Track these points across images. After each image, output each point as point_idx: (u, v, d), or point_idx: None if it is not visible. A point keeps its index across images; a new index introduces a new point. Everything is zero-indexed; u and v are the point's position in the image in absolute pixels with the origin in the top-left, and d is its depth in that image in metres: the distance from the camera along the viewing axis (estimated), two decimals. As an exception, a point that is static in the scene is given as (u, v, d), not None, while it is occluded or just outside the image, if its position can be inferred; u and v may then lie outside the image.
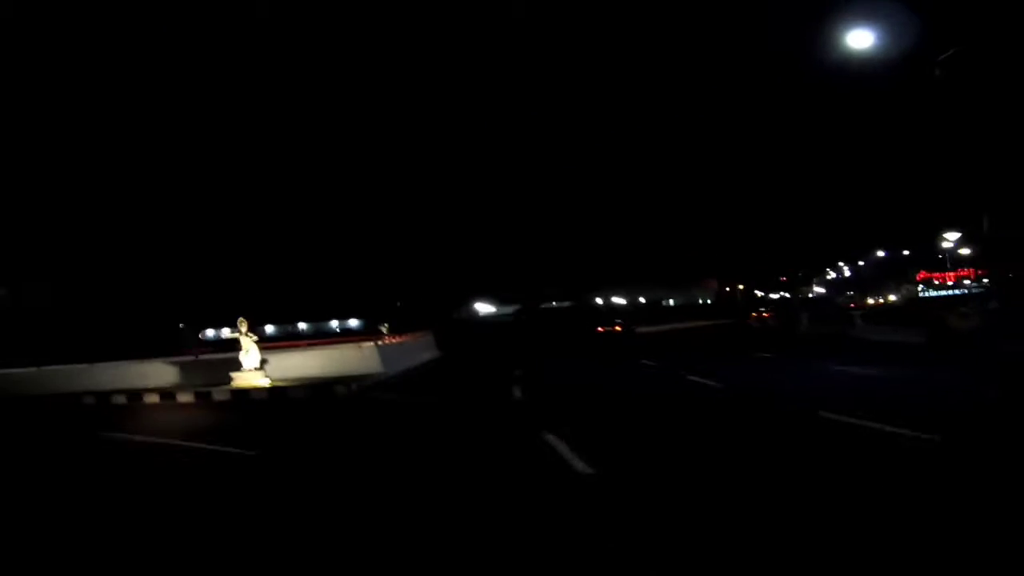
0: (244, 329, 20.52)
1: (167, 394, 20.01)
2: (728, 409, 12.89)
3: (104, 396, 20.38)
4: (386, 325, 31.34)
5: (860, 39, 19.43)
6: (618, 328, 42.45)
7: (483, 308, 71.98)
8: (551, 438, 9.99)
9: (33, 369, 23.88)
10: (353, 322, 70.90)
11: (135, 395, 20.21)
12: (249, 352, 20.42)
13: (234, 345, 21.46)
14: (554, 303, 70.83)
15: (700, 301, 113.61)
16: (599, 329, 42.21)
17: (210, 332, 64.72)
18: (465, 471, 8.76)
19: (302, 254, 70.22)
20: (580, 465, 8.18)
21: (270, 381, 19.96)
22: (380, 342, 23.71)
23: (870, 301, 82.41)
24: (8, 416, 18.91)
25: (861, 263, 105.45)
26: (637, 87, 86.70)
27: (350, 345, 23.32)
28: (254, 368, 20.28)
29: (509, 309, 66.27)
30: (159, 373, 22.01)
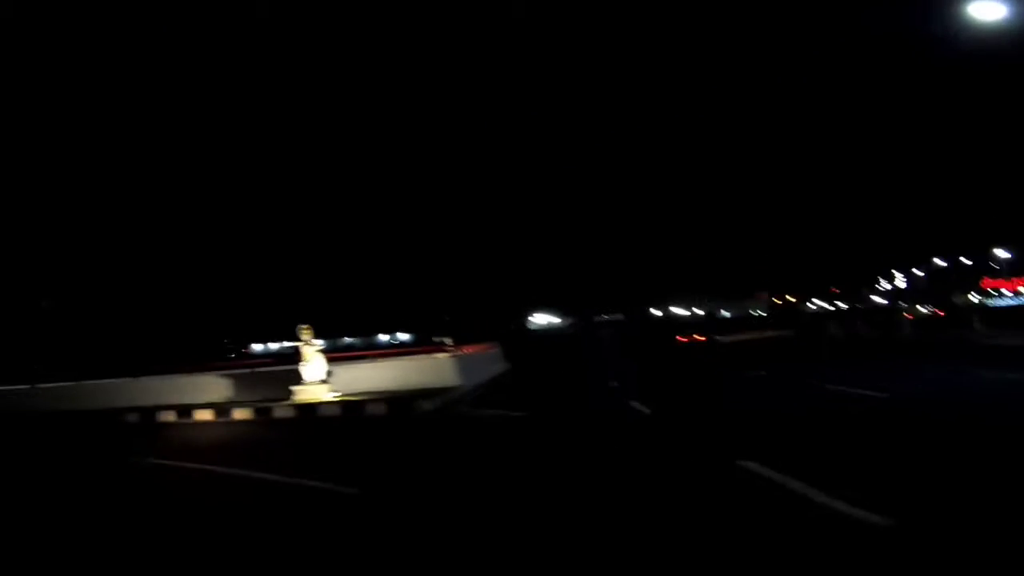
0: (306, 337, 17.88)
1: (221, 410, 17.41)
2: (926, 428, 9.80)
3: (149, 412, 17.85)
4: (448, 338, 28.55)
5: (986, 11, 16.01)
6: (700, 337, 39.45)
7: (542, 319, 69.09)
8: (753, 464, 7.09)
9: (72, 383, 21.48)
10: (402, 335, 68.35)
11: (185, 411, 17.66)
12: (312, 363, 17.75)
13: (291, 358, 18.94)
14: (604, 315, 67.86)
15: (753, 313, 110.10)
16: (680, 339, 39.21)
17: (257, 346, 62.83)
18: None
19: (342, 268, 68.08)
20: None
21: (340, 395, 17.25)
22: (450, 354, 20.84)
23: (923, 311, 77.74)
24: (35, 438, 16.40)
25: (918, 272, 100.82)
26: (679, 91, 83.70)
27: (422, 356, 20.52)
28: (319, 381, 17.59)
29: (566, 320, 63.36)
30: (211, 387, 19.41)
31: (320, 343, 18.10)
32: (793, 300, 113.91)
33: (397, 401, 16.11)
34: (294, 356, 18.67)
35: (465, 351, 22.95)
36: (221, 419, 16.84)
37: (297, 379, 17.82)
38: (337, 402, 16.64)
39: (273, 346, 60.45)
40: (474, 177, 68.52)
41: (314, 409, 16.33)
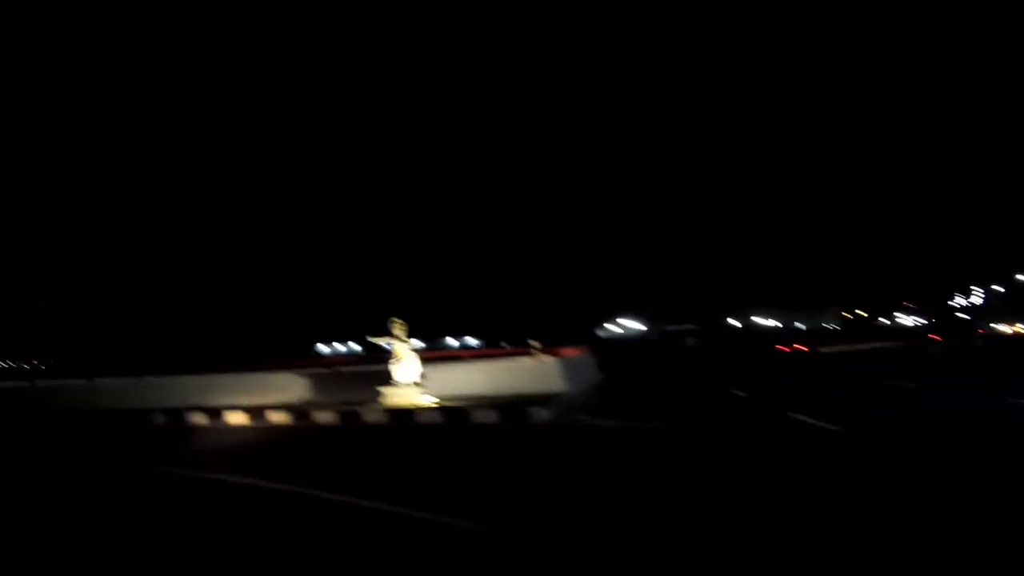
0: (399, 332, 15.56)
1: (300, 412, 15.16)
2: None
3: (216, 413, 15.71)
4: (536, 342, 26.03)
5: None
6: (802, 347, 36.35)
7: (618, 326, 66.18)
8: None
9: (133, 379, 19.61)
10: (471, 340, 66.01)
11: (257, 412, 15.47)
12: (404, 362, 15.40)
13: (372, 357, 16.74)
14: (673, 326, 64.62)
15: (827, 326, 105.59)
16: (780, 348, 36.12)
17: (322, 347, 61.22)
18: None
19: (406, 271, 66.01)
20: None
21: (436, 399, 14.87)
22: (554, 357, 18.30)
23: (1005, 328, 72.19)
24: (85, 441, 14.36)
25: (997, 287, 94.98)
26: (743, 91, 80.00)
27: (522, 359, 18.04)
28: (412, 383, 15.22)
29: (643, 327, 60.38)
30: (287, 386, 17.21)
31: (415, 342, 15.74)
32: (864, 315, 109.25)
33: (507, 408, 13.61)
34: (376, 356, 16.48)
35: (566, 354, 20.34)
36: (302, 422, 14.55)
37: (385, 380, 15.53)
38: (437, 408, 14.21)
39: (339, 347, 58.85)
40: (530, 177, 65.84)
41: (410, 415, 13.91)
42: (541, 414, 13.00)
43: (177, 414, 15.96)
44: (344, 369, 18.22)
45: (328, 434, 13.26)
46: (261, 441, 12.57)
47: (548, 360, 17.45)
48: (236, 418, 15.41)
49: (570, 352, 22.21)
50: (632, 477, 8.03)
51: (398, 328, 15.48)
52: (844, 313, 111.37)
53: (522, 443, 11.09)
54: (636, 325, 63.80)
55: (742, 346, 39.95)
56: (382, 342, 15.87)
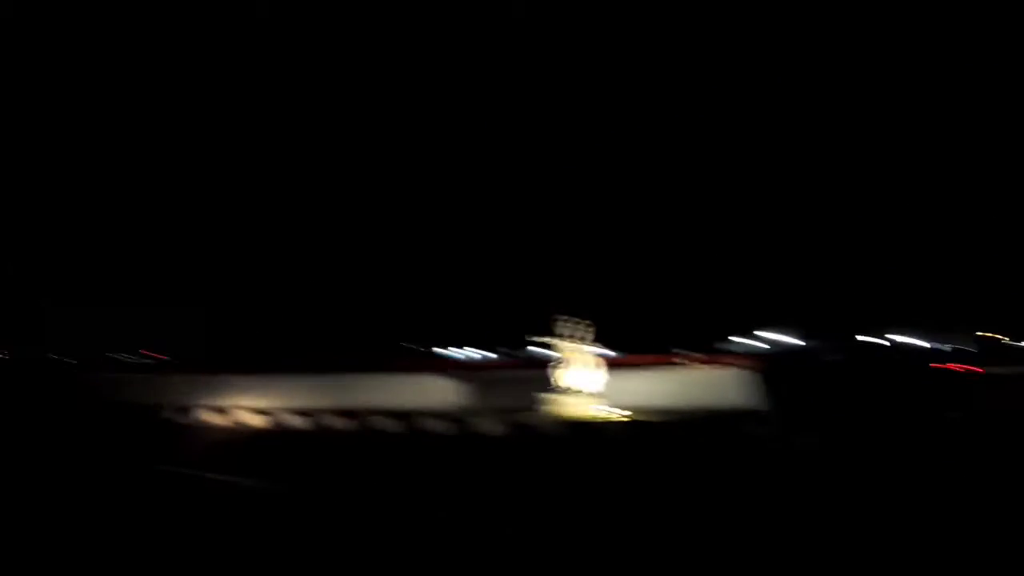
0: (570, 333, 13.68)
1: (454, 419, 13.43)
2: None
3: (356, 415, 14.16)
4: (691, 352, 23.78)
5: None
6: (962, 367, 32.52)
7: (774, 339, 62.47)
8: None
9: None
10: (605, 349, 63.49)
11: (405, 416, 13.80)
12: (576, 368, 13.48)
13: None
14: (864, 338, 59.86)
15: (964, 347, 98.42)
16: (936, 366, 32.43)
17: (440, 351, 59.97)
18: None
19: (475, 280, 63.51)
20: None
21: (622, 413, 12.95)
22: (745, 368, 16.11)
23: None
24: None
25: None
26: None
27: (707, 368, 15.92)
28: (586, 392, 13.30)
29: (811, 341, 56.51)
30: (437, 390, 15.54)
31: (590, 347, 13.82)
32: (999, 336, 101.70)
33: (698, 423, 11.56)
34: (538, 360, 14.72)
35: (733, 365, 17.99)
36: (458, 428, 12.85)
37: (545, 386, 13.67)
38: (626, 421, 12.24)
39: (456, 351, 57.46)
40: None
41: (590, 428, 11.96)
42: (758, 431, 10.89)
43: (311, 417, 14.52)
44: (507, 374, 16.42)
45: (503, 446, 11.43)
46: (430, 451, 10.85)
47: (742, 372, 15.31)
48: (379, 422, 13.73)
49: (734, 363, 19.92)
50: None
51: (576, 327, 13.61)
52: (986, 333, 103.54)
53: (746, 467, 8.99)
54: (782, 338, 60.05)
55: (889, 364, 36.23)
56: (548, 344, 13.99)
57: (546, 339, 14.00)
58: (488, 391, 15.17)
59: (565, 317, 13.64)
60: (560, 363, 13.50)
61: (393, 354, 23.53)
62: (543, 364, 14.37)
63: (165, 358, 26.38)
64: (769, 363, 27.22)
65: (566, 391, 13.26)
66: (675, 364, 18.86)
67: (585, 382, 13.24)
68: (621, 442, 11.27)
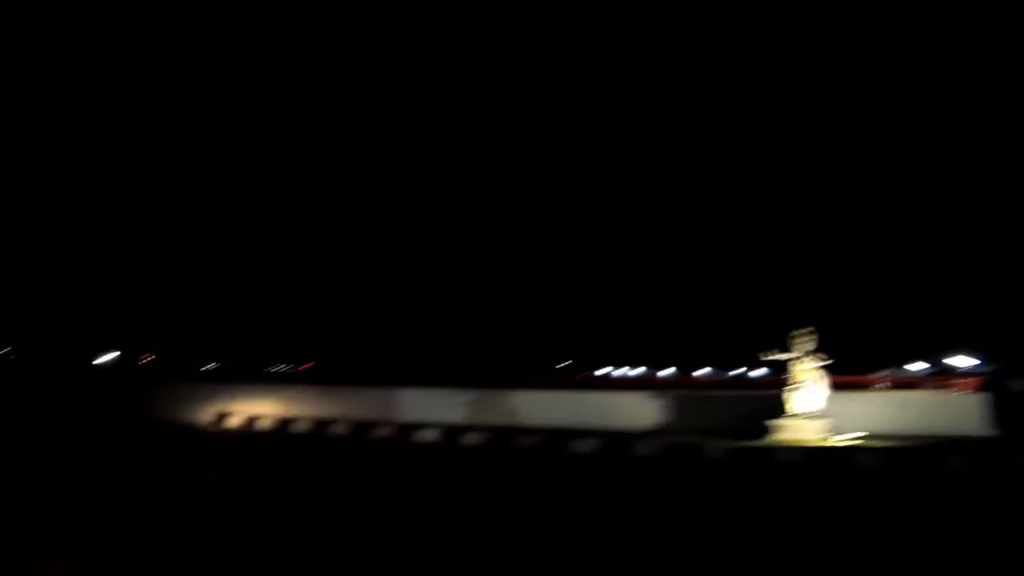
0: (806, 350, 12.95)
1: (687, 447, 12.71)
2: None
3: (559, 437, 13.90)
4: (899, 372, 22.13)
5: None
6: None
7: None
8: None
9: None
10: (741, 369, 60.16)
11: (619, 440, 13.35)
12: (805, 388, 12.79)
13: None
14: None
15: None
16: None
17: (598, 372, 58.67)
18: None
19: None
20: None
21: (848, 436, 12.21)
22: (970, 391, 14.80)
23: None
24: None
25: None
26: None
27: (943, 392, 14.78)
28: (814, 414, 12.62)
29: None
30: (623, 408, 15.19)
31: (820, 363, 12.99)
32: None
33: (953, 448, 10.63)
34: (766, 379, 14.03)
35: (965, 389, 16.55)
36: (686, 456, 12.36)
37: (763, 408, 13.05)
38: (872, 448, 11.44)
39: (612, 371, 56.02)
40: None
41: (845, 456, 11.07)
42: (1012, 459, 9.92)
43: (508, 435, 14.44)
44: (708, 393, 15.87)
45: (715, 473, 10.89)
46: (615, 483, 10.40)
47: (964, 396, 14.10)
48: (581, 446, 13.35)
49: (963, 385, 18.36)
50: None
51: (807, 342, 12.93)
52: None
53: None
54: (969, 360, 54.94)
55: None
56: (782, 360, 13.14)
57: (778, 356, 13.24)
58: (680, 410, 14.61)
59: (801, 332, 12.98)
60: (793, 384, 12.87)
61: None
62: (766, 384, 13.81)
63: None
64: (997, 386, 24.92)
65: (798, 414, 12.62)
66: (903, 386, 17.67)
67: (816, 403, 12.57)
68: (874, 474, 10.50)
